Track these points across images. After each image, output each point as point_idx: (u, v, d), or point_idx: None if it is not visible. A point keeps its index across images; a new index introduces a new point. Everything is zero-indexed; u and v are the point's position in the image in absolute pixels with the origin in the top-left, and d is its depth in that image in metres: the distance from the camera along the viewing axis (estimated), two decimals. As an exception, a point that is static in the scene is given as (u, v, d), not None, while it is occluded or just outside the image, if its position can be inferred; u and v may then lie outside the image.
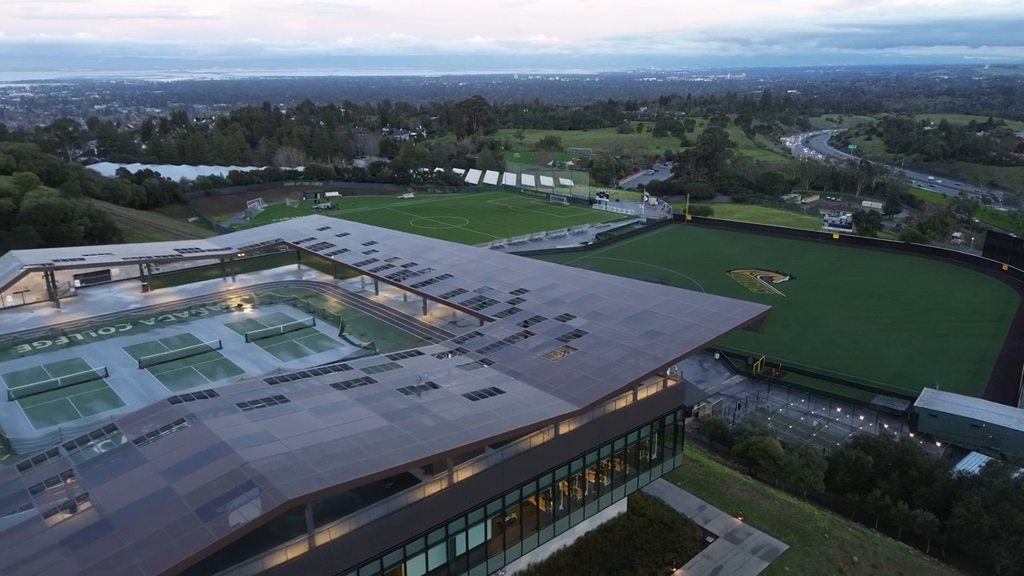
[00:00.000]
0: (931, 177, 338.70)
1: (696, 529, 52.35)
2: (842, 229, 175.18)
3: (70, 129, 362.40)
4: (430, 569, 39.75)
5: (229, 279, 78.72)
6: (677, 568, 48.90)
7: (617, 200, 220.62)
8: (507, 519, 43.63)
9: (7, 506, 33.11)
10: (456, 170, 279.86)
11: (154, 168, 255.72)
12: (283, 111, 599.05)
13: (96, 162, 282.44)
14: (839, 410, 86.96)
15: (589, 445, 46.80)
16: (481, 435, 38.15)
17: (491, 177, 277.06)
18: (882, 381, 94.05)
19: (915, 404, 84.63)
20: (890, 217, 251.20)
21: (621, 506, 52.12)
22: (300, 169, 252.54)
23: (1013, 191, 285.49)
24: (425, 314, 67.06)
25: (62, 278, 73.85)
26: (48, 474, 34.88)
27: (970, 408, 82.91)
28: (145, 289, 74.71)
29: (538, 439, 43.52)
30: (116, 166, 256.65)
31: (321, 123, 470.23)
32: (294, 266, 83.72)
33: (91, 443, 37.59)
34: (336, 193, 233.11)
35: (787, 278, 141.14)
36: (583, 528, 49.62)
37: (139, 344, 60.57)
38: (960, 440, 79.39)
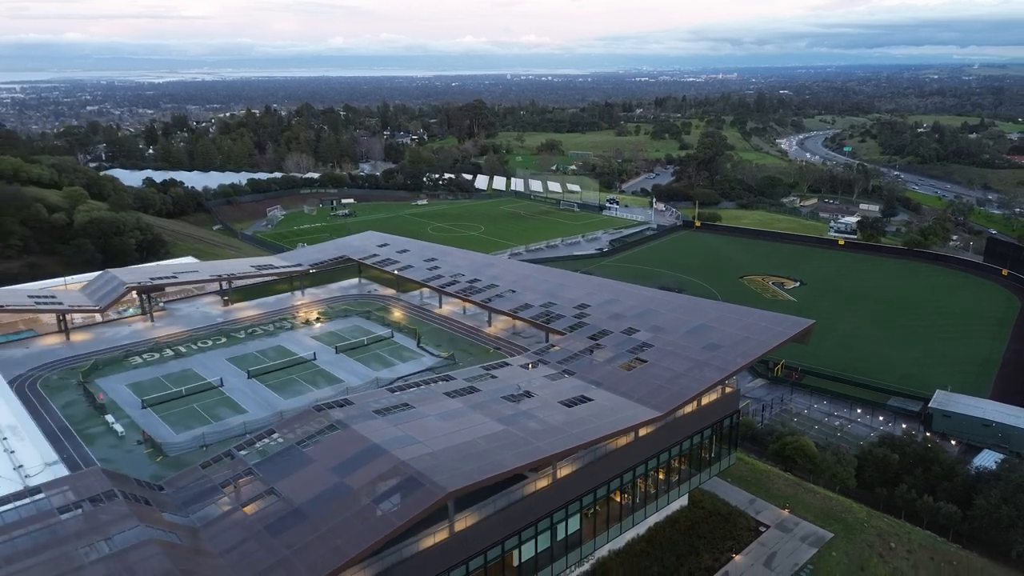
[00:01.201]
0: (926, 180, 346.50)
1: (749, 520, 58.94)
2: (847, 235, 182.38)
3: (79, 135, 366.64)
4: (538, 552, 46.20)
5: (298, 293, 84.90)
6: (736, 554, 55.43)
7: (626, 206, 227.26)
8: (595, 511, 50.08)
9: (204, 498, 39.24)
10: (464, 175, 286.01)
11: (176, 176, 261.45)
12: (282, 113, 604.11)
13: (106, 168, 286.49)
14: (859, 411, 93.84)
15: (661, 446, 53.23)
16: (586, 437, 44.58)
17: (499, 182, 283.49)
18: (894, 383, 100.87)
19: (929, 405, 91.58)
20: (888, 220, 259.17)
21: (683, 500, 58.57)
22: (315, 176, 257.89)
23: (1006, 193, 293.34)
24: (490, 326, 73.46)
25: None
26: (231, 472, 41.03)
27: (981, 409, 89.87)
28: (226, 303, 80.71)
29: (622, 441, 49.93)
30: (135, 173, 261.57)
31: (324, 127, 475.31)
32: (355, 280, 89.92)
33: (256, 445, 43.76)
34: (351, 200, 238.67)
35: (798, 284, 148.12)
36: (653, 519, 56.05)
37: (239, 356, 66.71)
38: (972, 439, 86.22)
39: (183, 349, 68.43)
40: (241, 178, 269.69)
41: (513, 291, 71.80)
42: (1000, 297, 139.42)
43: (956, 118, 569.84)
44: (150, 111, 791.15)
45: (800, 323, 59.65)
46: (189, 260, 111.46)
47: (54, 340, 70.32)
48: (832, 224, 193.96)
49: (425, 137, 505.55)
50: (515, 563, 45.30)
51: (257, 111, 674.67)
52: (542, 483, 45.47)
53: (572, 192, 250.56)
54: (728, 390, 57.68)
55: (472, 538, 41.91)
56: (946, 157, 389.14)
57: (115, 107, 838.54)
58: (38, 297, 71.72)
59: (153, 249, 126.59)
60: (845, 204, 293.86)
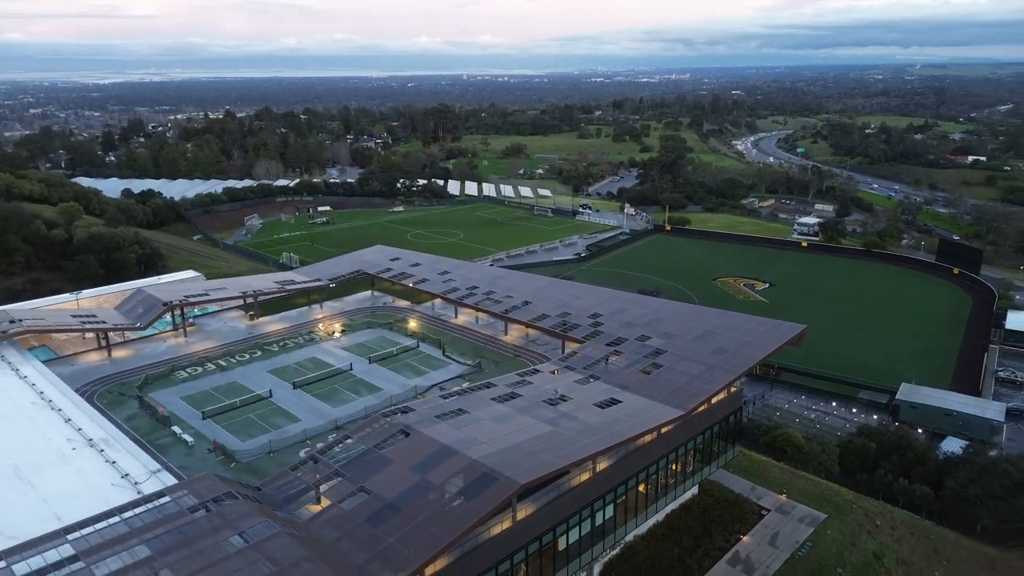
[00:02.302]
0: (875, 180, 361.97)
1: (752, 505, 66.13)
2: (809, 237, 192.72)
3: (39, 143, 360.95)
4: (581, 537, 52.51)
5: (316, 306, 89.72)
6: (744, 535, 62.49)
7: (597, 211, 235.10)
8: (625, 500, 56.57)
9: (301, 497, 44.55)
10: (435, 181, 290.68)
11: (143, 184, 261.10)
12: (239, 115, 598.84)
13: (69, 176, 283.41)
14: (833, 404, 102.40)
15: (678, 441, 59.95)
16: (623, 435, 50.99)
17: (471, 187, 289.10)
18: (864, 377, 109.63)
19: (896, 397, 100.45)
20: (843, 221, 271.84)
21: (695, 489, 65.43)
22: (290, 184, 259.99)
23: (951, 193, 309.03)
24: (506, 335, 79.50)
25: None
26: (320, 473, 46.30)
27: (942, 399, 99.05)
28: (252, 318, 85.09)
29: (647, 438, 56.50)
30: (101, 182, 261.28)
31: (283, 130, 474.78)
32: (368, 293, 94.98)
33: (336, 449, 49.09)
34: (328, 207, 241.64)
35: (767, 285, 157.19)
36: (670, 507, 62.78)
37: (279, 368, 71.51)
38: (936, 427, 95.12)
39: (223, 363, 72.90)
40: (213, 186, 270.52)
41: (528, 302, 77.91)
42: (953, 295, 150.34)
43: (902, 119, 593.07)
44: (97, 113, 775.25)
45: (795, 328, 67.06)
46: (191, 274, 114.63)
47: (96, 357, 74.11)
48: (795, 227, 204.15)
49: (390, 141, 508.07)
50: (561, 548, 51.53)
51: (214, 114, 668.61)
52: (584, 476, 51.79)
53: (544, 197, 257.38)
54: (733, 389, 64.73)
55: (530, 526, 48.01)
56: (894, 158, 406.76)
57: (60, 110, 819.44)
58: (83, 317, 75.33)
59: (152, 263, 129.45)
60: (801, 204, 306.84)
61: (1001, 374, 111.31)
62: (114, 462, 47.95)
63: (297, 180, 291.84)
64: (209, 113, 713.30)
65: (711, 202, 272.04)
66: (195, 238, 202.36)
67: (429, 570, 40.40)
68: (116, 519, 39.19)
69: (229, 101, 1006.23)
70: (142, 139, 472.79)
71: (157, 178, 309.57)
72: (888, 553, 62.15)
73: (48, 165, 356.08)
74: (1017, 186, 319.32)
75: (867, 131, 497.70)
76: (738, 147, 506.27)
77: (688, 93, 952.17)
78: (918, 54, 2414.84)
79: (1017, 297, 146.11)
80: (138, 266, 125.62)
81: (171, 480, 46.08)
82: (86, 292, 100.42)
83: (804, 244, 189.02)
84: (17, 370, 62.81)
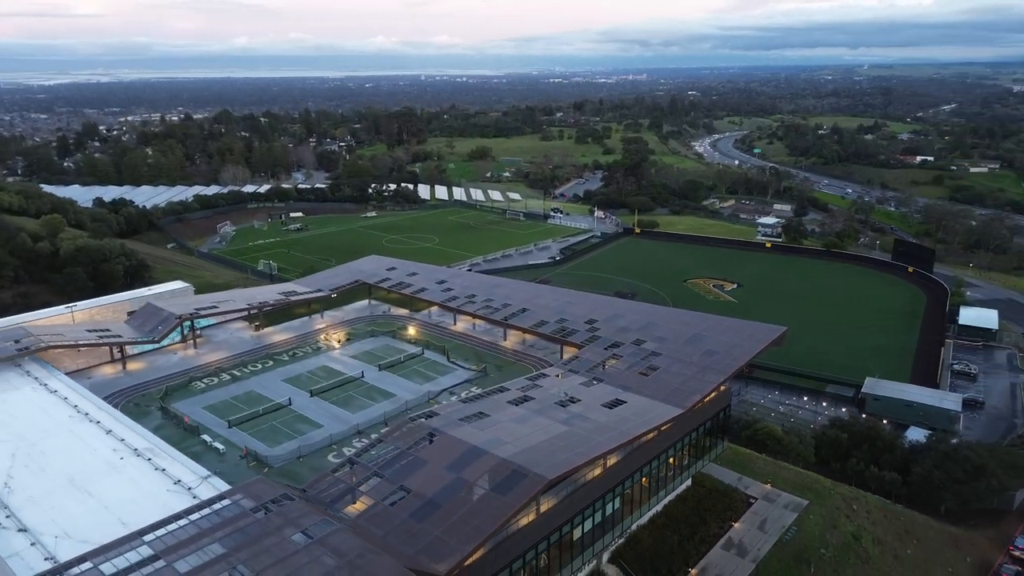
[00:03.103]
0: (829, 180, 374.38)
1: (741, 494, 71.63)
2: (773, 238, 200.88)
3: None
4: (593, 527, 57.27)
5: (317, 316, 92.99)
6: (735, 522, 67.92)
7: (567, 214, 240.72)
8: (630, 493, 61.48)
9: (347, 495, 48.27)
10: (405, 185, 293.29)
11: (105, 192, 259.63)
12: (195, 117, 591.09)
13: (25, 182, 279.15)
14: (805, 399, 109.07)
15: (676, 437, 65.06)
16: (632, 433, 55.85)
17: (441, 191, 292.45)
18: (830, 372, 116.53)
19: (862, 391, 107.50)
20: (800, 220, 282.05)
21: (689, 481, 70.76)
22: (261, 190, 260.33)
23: (902, 192, 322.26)
24: (505, 340, 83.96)
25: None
26: (360, 475, 50.11)
27: (904, 391, 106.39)
28: (257, 328, 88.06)
29: (649, 435, 61.47)
30: (62, 189, 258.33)
31: (243, 133, 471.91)
32: (365, 302, 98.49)
33: (372, 452, 52.90)
34: (300, 213, 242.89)
35: (735, 285, 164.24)
36: (668, 498, 67.98)
37: (293, 376, 74.84)
38: (899, 417, 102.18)
39: (237, 373, 75.95)
40: (180, 193, 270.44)
41: (525, 309, 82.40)
42: (909, 293, 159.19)
43: (852, 119, 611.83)
44: (44, 116, 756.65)
45: (777, 329, 72.88)
46: (180, 285, 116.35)
47: (110, 370, 76.50)
48: (759, 229, 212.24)
49: (353, 144, 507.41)
50: (576, 537, 56.23)
51: (168, 116, 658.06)
52: (596, 472, 56.53)
53: (515, 200, 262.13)
54: (722, 388, 70.11)
55: (551, 518, 52.59)
56: (846, 158, 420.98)
57: (4, 112, 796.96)
58: (99, 331, 77.52)
59: (138, 275, 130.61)
60: (761, 205, 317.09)
61: (956, 367, 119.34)
62: (163, 469, 51.13)
63: (267, 186, 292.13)
64: (165, 116, 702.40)
65: (674, 204, 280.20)
66: (169, 246, 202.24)
67: (468, 561, 44.70)
68: (184, 521, 42.65)
69: (181, 102, 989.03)
70: (97, 143, 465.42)
71: (120, 184, 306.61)
72: (865, 534, 68.21)
73: (4, 172, 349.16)
74: (963, 185, 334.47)
75: (820, 132, 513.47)
76: (697, 148, 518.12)
77: (646, 94, 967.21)
78: (865, 55, 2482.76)
79: (968, 294, 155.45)
80: (126, 278, 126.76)
81: (222, 485, 49.45)
82: (81, 305, 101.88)
83: (768, 245, 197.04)
84: (45, 384, 65.15)
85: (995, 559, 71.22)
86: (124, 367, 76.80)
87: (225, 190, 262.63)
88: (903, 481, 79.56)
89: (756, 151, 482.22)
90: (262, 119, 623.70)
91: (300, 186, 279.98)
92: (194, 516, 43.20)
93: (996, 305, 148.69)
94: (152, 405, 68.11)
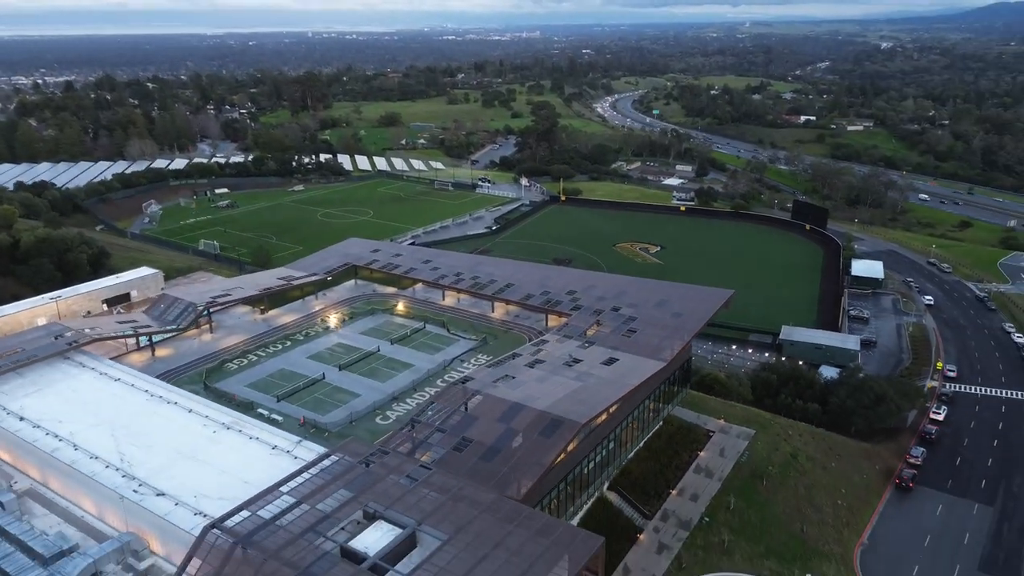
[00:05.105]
0: (725, 140, 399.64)
1: (702, 429, 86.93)
2: (687, 202, 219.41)
3: None
4: (597, 464, 70.86)
5: (311, 297, 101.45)
6: (700, 452, 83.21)
7: (493, 183, 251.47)
8: (624, 434, 75.34)
9: (419, 448, 59.34)
10: (326, 157, 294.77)
11: (21, 172, 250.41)
12: (62, 81, 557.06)
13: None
14: (733, 347, 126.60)
15: (654, 385, 79.29)
16: (633, 383, 69.22)
17: (363, 162, 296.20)
18: (750, 323, 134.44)
19: (779, 337, 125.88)
20: (700, 179, 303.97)
21: (661, 422, 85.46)
22: (180, 166, 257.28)
23: (789, 151, 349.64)
24: (493, 312, 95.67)
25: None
26: (424, 432, 61.09)
27: (813, 336, 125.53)
28: (262, 312, 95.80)
29: (640, 385, 75.20)
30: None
31: (133, 101, 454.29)
32: (352, 282, 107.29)
33: (428, 412, 63.83)
34: (225, 190, 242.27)
35: (659, 248, 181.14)
36: (647, 436, 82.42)
37: (315, 353, 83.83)
38: (810, 359, 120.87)
39: (261, 353, 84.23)
40: (83, 171, 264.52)
41: (511, 284, 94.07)
42: (808, 248, 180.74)
43: (740, 79, 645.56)
44: None
45: (726, 293, 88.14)
46: (149, 271, 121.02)
47: (140, 357, 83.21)
48: (674, 194, 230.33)
49: (255, 111, 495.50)
50: (585, 472, 69.67)
51: (28, 78, 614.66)
52: (602, 418, 69.87)
53: (440, 170, 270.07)
54: (687, 343, 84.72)
55: (574, 456, 65.76)
56: (739, 118, 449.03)
57: None
58: (128, 323, 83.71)
59: (100, 262, 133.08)
60: (664, 166, 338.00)
61: (852, 313, 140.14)
62: (257, 438, 60.57)
63: (181, 161, 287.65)
64: (35, 80, 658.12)
65: (586, 167, 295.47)
66: (98, 228, 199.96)
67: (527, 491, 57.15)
68: (307, 475, 52.71)
69: (44, 64, 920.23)
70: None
71: (15, 162, 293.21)
72: (800, 454, 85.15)
73: None
74: (842, 143, 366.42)
75: (713, 92, 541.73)
76: (598, 109, 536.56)
77: (542, 53, 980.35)
78: (746, 12, 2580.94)
79: (856, 247, 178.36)
80: (91, 267, 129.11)
81: (315, 447, 59.52)
82: (65, 294, 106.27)
83: (683, 208, 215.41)
84: (106, 373, 72.03)
85: (896, 465, 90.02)
86: (153, 354, 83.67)
87: (142, 167, 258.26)
88: (823, 410, 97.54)
89: (655, 112, 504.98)
90: (149, 84, 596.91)
91: (217, 159, 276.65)
92: (313, 471, 53.24)
93: (880, 256, 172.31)
94: (195, 386, 75.93)
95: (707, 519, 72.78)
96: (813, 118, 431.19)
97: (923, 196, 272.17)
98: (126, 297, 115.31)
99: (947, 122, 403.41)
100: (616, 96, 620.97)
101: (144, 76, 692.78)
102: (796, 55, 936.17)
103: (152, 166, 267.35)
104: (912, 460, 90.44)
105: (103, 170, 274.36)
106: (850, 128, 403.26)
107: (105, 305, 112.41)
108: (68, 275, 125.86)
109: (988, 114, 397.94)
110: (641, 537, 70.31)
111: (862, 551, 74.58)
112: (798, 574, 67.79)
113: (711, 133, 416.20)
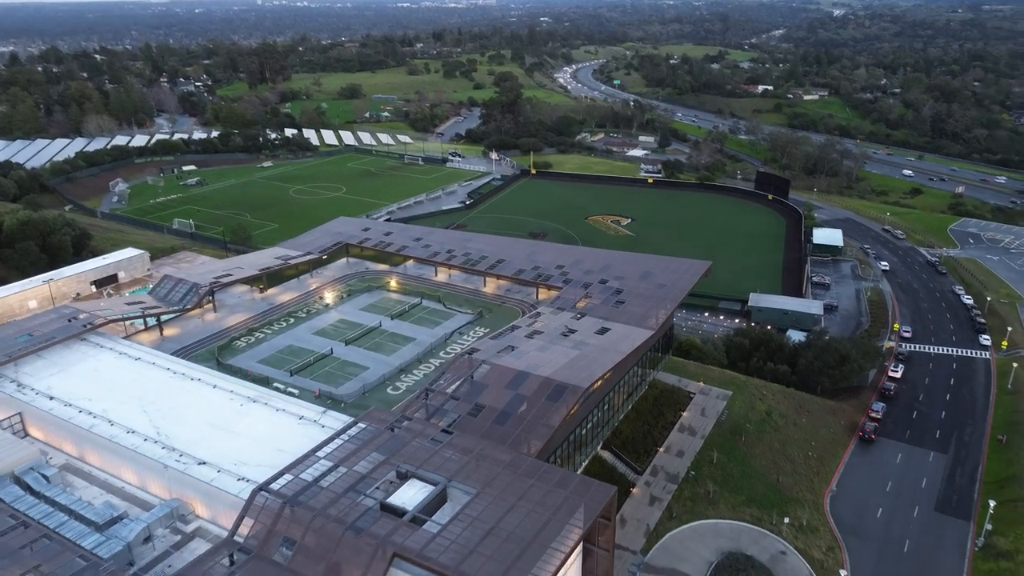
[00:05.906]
0: (685, 110, 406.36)
1: (683, 391, 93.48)
2: (654, 174, 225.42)
3: None
4: (594, 424, 76.72)
5: (307, 276, 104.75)
6: (683, 412, 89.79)
7: (464, 157, 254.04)
8: (617, 397, 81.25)
9: (435, 414, 64.19)
10: (295, 132, 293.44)
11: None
12: (16, 55, 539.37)
13: None
14: (706, 314, 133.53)
15: (642, 352, 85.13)
16: (626, 350, 74.90)
17: (330, 137, 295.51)
18: (721, 291, 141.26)
19: (748, 304, 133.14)
20: (663, 150, 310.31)
21: (647, 386, 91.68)
22: (144, 143, 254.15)
23: (749, 121, 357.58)
24: (484, 287, 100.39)
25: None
26: (439, 400, 65.91)
27: (780, 302, 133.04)
28: (261, 291, 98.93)
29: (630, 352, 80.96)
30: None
31: (83, 75, 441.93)
32: (344, 261, 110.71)
33: (441, 382, 68.57)
34: (193, 167, 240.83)
35: (630, 220, 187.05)
36: (635, 399, 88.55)
37: (320, 329, 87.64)
38: (778, 324, 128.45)
39: (267, 331, 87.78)
40: (41, 148, 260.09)
41: (501, 260, 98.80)
42: (771, 218, 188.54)
43: (698, 48, 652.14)
44: None
45: (704, 265, 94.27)
46: (135, 252, 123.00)
47: (149, 337, 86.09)
48: (642, 167, 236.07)
49: (210, 83, 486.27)
50: (583, 432, 75.49)
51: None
52: (598, 383, 75.53)
53: (409, 144, 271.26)
54: (669, 312, 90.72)
55: (575, 417, 71.40)
56: (698, 88, 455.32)
57: None
58: (136, 304, 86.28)
59: (83, 244, 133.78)
60: (627, 137, 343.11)
61: (815, 279, 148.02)
62: (283, 410, 64.79)
63: (142, 137, 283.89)
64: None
65: (552, 140, 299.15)
66: (67, 208, 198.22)
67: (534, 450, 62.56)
68: (339, 441, 57.28)
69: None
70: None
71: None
72: (774, 412, 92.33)
73: None
74: (799, 112, 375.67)
75: (672, 62, 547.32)
76: (560, 80, 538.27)
77: (499, 20, 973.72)
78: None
79: (816, 216, 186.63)
80: (75, 248, 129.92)
81: (341, 416, 64.00)
82: (58, 276, 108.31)
83: (650, 181, 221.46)
84: (126, 353, 75.05)
85: (859, 420, 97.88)
86: (161, 334, 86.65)
87: (103, 144, 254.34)
88: (792, 371, 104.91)
89: (616, 83, 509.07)
90: (97, 56, 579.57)
91: (180, 135, 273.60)
92: (344, 437, 57.84)
93: (838, 224, 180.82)
94: (208, 363, 79.38)
95: (693, 473, 79.40)
96: (770, 88, 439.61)
97: (907, 172, 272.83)
98: (114, 278, 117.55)
99: (898, 91, 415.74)
100: (576, 66, 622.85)
101: (89, 47, 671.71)
102: (752, 23, 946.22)
103: (113, 143, 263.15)
104: (873, 415, 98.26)
105: (62, 147, 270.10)
106: (806, 97, 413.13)
107: (94, 287, 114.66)
108: (53, 257, 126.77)
109: (937, 82, 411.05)
110: (634, 490, 76.64)
111: (831, 497, 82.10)
112: (776, 519, 74.78)
113: (672, 103, 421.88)
